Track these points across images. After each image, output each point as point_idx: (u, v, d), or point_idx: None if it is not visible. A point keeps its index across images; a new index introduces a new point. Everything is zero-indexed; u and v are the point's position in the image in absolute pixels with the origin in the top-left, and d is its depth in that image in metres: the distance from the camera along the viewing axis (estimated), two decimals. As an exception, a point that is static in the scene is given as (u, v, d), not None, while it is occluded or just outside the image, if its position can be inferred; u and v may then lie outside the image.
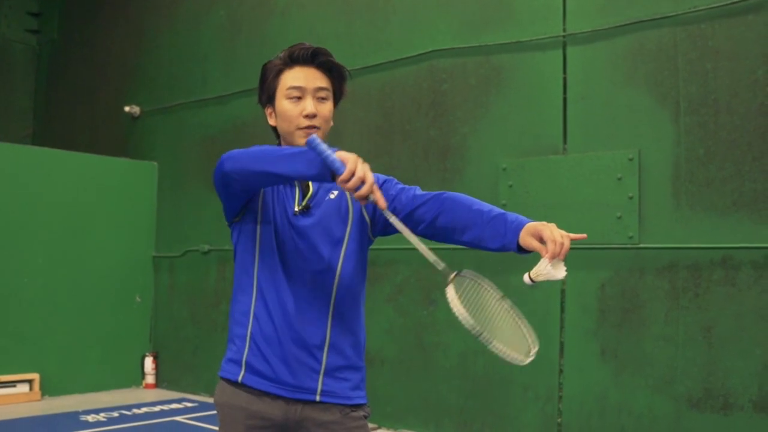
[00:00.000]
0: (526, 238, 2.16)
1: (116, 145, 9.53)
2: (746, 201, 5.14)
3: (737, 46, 5.23)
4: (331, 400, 2.32)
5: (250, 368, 2.34)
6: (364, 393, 2.41)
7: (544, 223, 2.14)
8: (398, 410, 6.68)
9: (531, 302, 6.01)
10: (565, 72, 5.98)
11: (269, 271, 2.35)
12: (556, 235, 2.07)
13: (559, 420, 5.81)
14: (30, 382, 7.82)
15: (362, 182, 2.03)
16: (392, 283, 6.79)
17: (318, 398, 2.31)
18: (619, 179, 5.61)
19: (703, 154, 5.32)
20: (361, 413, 2.38)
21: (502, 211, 2.25)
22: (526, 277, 2.14)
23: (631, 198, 5.56)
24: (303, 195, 2.39)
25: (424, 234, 2.36)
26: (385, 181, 2.43)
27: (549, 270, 2.08)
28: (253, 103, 9.16)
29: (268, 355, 2.32)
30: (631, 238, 5.55)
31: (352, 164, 2.02)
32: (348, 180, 2.01)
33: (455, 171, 6.53)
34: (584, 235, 2.17)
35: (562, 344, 5.84)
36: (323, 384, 2.31)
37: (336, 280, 2.34)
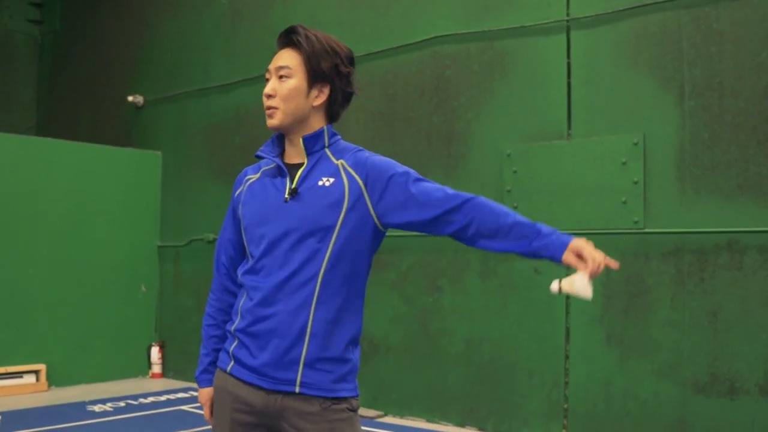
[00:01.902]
0: (567, 254, 2.20)
1: (120, 135, 9.53)
2: (751, 184, 5.12)
3: (742, 29, 5.20)
4: (311, 392, 2.28)
5: (236, 360, 2.38)
6: (351, 386, 2.35)
7: (584, 240, 2.20)
8: (403, 397, 6.69)
9: (536, 288, 6.01)
10: (568, 56, 5.95)
11: (255, 263, 2.35)
12: (597, 255, 2.15)
13: (565, 406, 5.81)
14: (36, 372, 7.85)
15: None
16: (397, 270, 6.79)
17: (297, 389, 2.28)
18: (624, 164, 5.59)
19: (707, 137, 5.30)
20: (344, 406, 2.31)
21: (536, 224, 2.29)
22: (555, 285, 2.18)
23: (635, 182, 5.54)
24: (292, 182, 2.36)
25: (453, 236, 2.34)
26: (392, 176, 2.33)
27: (584, 287, 2.14)
28: (256, 92, 9.11)
29: (252, 347, 2.33)
30: (636, 222, 5.53)
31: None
32: None
33: (459, 157, 6.51)
34: (617, 265, 2.24)
35: (567, 330, 5.84)
36: (303, 375, 2.28)
37: (322, 270, 2.29)
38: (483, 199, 2.33)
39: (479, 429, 6.22)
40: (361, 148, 2.45)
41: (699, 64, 5.35)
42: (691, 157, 5.35)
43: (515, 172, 6.14)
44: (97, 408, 6.99)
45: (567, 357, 5.83)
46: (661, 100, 5.50)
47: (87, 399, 7.38)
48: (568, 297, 5.83)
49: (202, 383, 2.57)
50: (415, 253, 6.68)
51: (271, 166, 2.44)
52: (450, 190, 2.33)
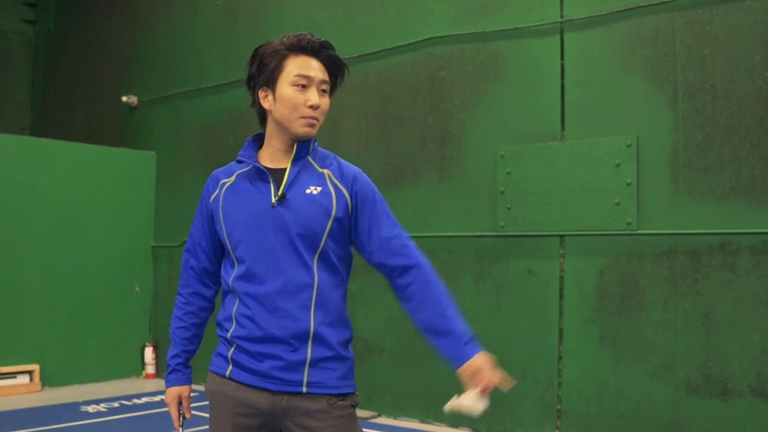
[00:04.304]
0: (463, 369, 2.33)
1: (114, 135, 9.52)
2: (744, 186, 5.14)
3: (735, 31, 5.22)
4: (318, 390, 2.34)
5: (237, 364, 2.41)
6: (352, 382, 2.43)
7: (476, 362, 2.31)
8: (398, 398, 6.69)
9: (530, 290, 6.02)
10: (562, 58, 5.96)
11: (248, 271, 2.37)
12: (492, 378, 2.27)
13: (558, 407, 5.82)
14: (30, 373, 7.83)
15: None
16: (391, 271, 6.78)
17: (304, 390, 2.33)
18: (618, 165, 5.60)
19: (701, 139, 5.31)
20: (348, 402, 2.40)
21: (460, 327, 2.38)
22: (447, 407, 2.28)
23: (629, 184, 5.55)
24: (278, 186, 2.39)
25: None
26: (370, 202, 2.44)
27: (474, 403, 2.25)
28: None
29: (254, 352, 2.36)
30: (629, 224, 5.54)
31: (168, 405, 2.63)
32: None
33: (453, 159, 6.52)
34: (510, 385, 2.37)
35: (561, 331, 5.85)
36: (309, 375, 2.34)
37: (316, 275, 2.34)
38: (429, 275, 2.40)
39: (472, 430, 6.23)
40: (336, 156, 2.53)
41: (692, 67, 5.37)
42: (685, 158, 5.37)
43: (509, 173, 6.15)
44: (90, 408, 6.98)
45: (560, 358, 5.84)
46: (654, 102, 5.51)
47: (81, 399, 7.37)
48: (561, 298, 5.84)
49: (171, 383, 2.61)
50: (409, 254, 6.67)
51: (247, 169, 2.46)
52: (403, 246, 2.41)
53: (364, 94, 7.07)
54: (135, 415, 6.74)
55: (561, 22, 5.98)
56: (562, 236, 5.88)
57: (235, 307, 2.40)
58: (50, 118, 10.87)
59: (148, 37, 9.42)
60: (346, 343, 2.43)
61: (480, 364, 2.30)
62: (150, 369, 8.70)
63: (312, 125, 2.39)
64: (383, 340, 6.79)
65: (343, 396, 2.38)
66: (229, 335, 2.42)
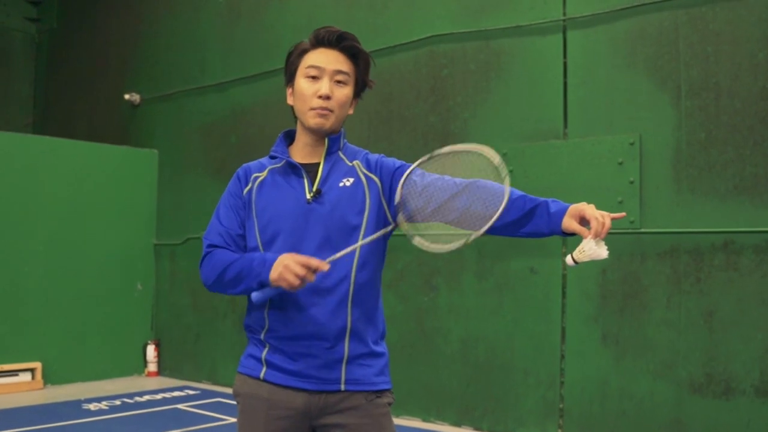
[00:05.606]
0: (567, 221, 2.18)
1: (116, 133, 9.52)
2: (747, 185, 5.12)
3: (738, 29, 5.20)
4: (356, 387, 2.31)
5: (271, 365, 2.34)
6: (388, 378, 2.40)
7: (584, 203, 2.18)
8: (399, 397, 6.66)
9: (532, 288, 6.00)
10: (565, 56, 5.95)
11: None
12: (598, 214, 2.11)
13: (560, 406, 5.81)
14: (32, 370, 7.84)
15: (300, 279, 2.15)
16: (393, 269, 6.78)
17: (343, 387, 2.30)
18: (620, 164, 5.59)
19: (704, 138, 5.30)
20: (385, 400, 2.36)
21: (535, 201, 2.26)
22: (569, 259, 2.15)
23: (632, 182, 5.54)
24: (312, 182, 2.35)
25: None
26: (396, 168, 2.39)
27: (594, 249, 2.11)
28: (252, 90, 9.09)
29: (290, 351, 2.31)
30: (632, 222, 5.53)
31: (284, 281, 2.16)
32: (292, 287, 2.17)
33: (455, 157, 6.50)
34: (623, 214, 2.23)
35: (563, 330, 5.84)
36: (347, 372, 2.30)
37: (353, 270, 2.30)
38: (485, 182, 2.28)
39: (475, 428, 6.22)
40: (367, 150, 2.49)
41: (695, 65, 5.35)
42: (688, 157, 5.35)
43: (511, 171, 6.11)
44: (92, 406, 6.98)
45: (563, 356, 5.83)
46: (657, 101, 5.50)
47: (82, 397, 7.37)
48: (564, 296, 5.83)
49: (274, 257, 2.23)
50: (411, 253, 6.67)
51: (280, 164, 2.42)
52: (449, 179, 2.32)
53: (365, 92, 7.04)
54: (137, 413, 6.74)
55: (564, 20, 5.96)
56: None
57: (267, 307, 2.34)
58: (52, 116, 10.88)
59: (151, 35, 9.42)
60: (380, 338, 2.42)
61: (582, 208, 2.16)
62: (152, 367, 8.70)
63: (323, 116, 2.34)
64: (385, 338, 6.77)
65: (380, 392, 2.35)
66: (262, 336, 2.35)
